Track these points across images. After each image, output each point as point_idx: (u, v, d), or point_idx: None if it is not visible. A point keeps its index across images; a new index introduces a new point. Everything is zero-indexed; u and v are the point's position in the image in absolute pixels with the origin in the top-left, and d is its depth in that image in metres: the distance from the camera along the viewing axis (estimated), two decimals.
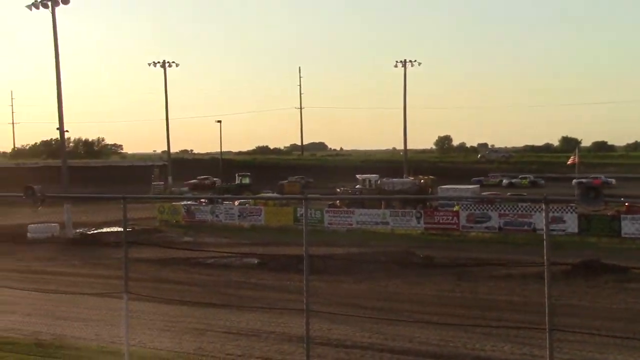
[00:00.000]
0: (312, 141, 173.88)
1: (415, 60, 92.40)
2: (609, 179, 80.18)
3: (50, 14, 48.34)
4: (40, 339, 17.67)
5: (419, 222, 44.03)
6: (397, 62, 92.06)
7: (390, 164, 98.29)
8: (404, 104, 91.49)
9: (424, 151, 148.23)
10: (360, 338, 18.04)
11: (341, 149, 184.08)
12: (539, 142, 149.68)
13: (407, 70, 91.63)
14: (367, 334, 18.38)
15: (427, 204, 47.76)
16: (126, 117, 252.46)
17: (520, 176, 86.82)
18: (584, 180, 69.20)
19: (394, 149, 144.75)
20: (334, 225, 45.43)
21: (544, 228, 9.22)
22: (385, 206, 46.52)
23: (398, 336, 18.09)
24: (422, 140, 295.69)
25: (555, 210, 38.19)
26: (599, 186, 64.47)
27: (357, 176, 62.02)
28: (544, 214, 9.05)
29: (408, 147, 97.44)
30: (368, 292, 25.29)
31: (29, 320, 20.31)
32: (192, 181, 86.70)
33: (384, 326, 18.90)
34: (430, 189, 56.26)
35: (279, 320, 19.77)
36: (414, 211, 44.92)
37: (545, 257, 8.66)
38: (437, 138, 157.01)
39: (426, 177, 60.21)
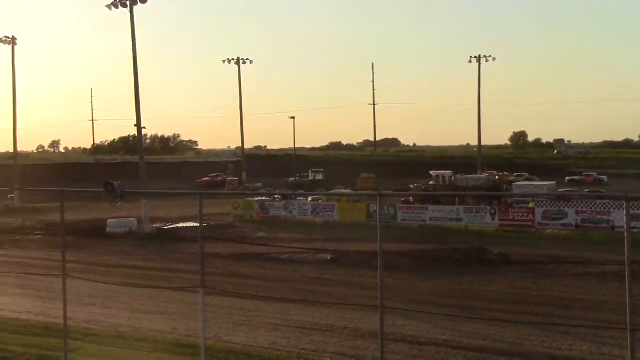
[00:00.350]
0: (385, 137, 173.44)
1: (489, 56, 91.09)
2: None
3: (129, 13, 49.37)
4: (119, 331, 18.11)
5: (493, 219, 43.47)
6: (471, 57, 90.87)
7: (464, 160, 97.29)
8: (478, 99, 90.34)
9: (498, 147, 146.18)
10: (434, 335, 17.94)
11: (414, 145, 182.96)
12: (618, 138, 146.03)
13: (481, 65, 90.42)
14: (441, 331, 18.26)
15: (502, 200, 47.10)
16: (201, 114, 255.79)
17: (584, 173, 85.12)
18: None
19: (468, 145, 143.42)
20: (407, 221, 45.23)
21: (625, 226, 9.00)
22: (459, 202, 46.08)
23: (472, 334, 17.93)
24: (497, 136, 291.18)
25: (636, 207, 37.19)
26: None
27: (431, 172, 61.54)
28: (624, 212, 8.84)
29: (482, 143, 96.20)
30: (442, 288, 25.10)
31: (108, 312, 20.83)
32: (204, 179, 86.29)
33: (458, 323, 18.75)
34: (505, 186, 55.49)
35: (352, 316, 19.80)
36: (488, 208, 44.36)
37: (626, 256, 8.46)
38: (511, 134, 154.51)
39: (501, 174, 59.40)
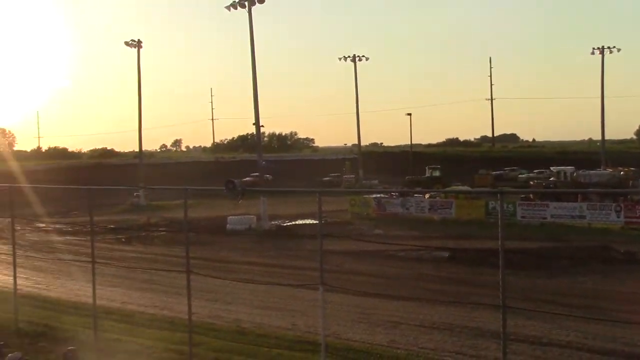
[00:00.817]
0: (503, 132, 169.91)
1: (614, 47, 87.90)
2: None
3: (247, 13, 50.32)
4: (241, 327, 18.47)
5: (618, 216, 41.91)
6: (593, 49, 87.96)
7: (586, 155, 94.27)
8: (601, 92, 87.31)
9: (623, 141, 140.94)
10: (557, 336, 17.46)
11: (534, 140, 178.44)
12: None
13: (605, 57, 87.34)
14: (565, 331, 17.74)
15: (628, 197, 45.35)
16: (318, 112, 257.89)
17: None
18: None
19: (590, 139, 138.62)
20: (527, 218, 44.20)
21: None
22: (581, 199, 44.68)
23: (598, 335, 17.33)
24: (622, 130, 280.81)
25: None
26: None
27: (552, 168, 60.01)
28: None
29: (606, 138, 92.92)
30: (564, 288, 24.40)
31: (229, 308, 21.26)
32: (247, 178, 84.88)
33: (583, 324, 18.16)
34: (631, 182, 53.46)
35: (472, 315, 19.50)
36: (613, 205, 42.80)
37: None
38: (637, 128, 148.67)
39: (627, 169, 57.26)
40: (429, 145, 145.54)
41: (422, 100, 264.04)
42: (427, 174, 79.30)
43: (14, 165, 75.85)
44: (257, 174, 59.16)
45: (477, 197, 48.15)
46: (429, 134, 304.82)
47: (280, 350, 15.44)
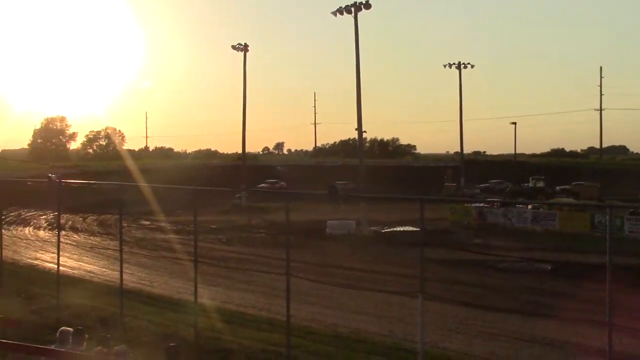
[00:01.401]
0: (612, 144, 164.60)
1: None
2: None
3: (353, 19, 50.51)
4: (337, 331, 18.54)
5: None
6: None
7: None
8: None
9: None
10: None
11: None
12: None
13: None
14: None
15: None
16: (420, 118, 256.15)
17: None
18: None
19: None
20: (635, 233, 42.68)
21: None
22: None
23: None
24: None
25: None
26: None
27: None
28: None
29: None
30: None
31: (327, 312, 21.36)
32: (262, 185, 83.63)
33: None
34: None
35: (574, 330, 18.93)
36: None
37: None
38: None
39: None
40: (533, 155, 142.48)
41: (527, 109, 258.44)
42: (531, 184, 77.71)
43: (124, 164, 78.43)
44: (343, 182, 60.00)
45: (581, 210, 46.86)
46: (533, 143, 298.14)
47: (377, 356, 15.44)
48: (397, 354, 15.70)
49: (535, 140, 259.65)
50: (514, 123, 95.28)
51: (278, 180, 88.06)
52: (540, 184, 76.99)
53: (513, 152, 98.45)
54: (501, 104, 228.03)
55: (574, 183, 76.04)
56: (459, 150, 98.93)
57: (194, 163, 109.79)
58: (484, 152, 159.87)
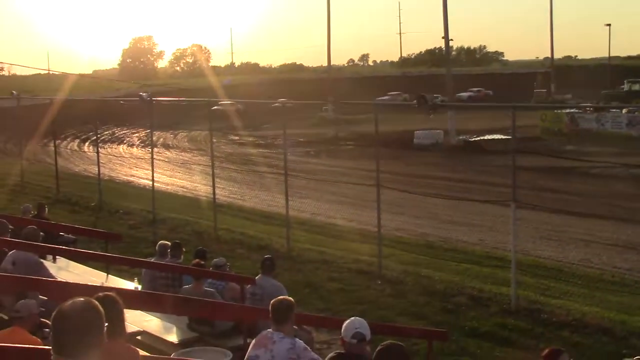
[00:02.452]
0: None
1: None
2: None
3: None
4: (428, 240, 18.61)
5: None
6: None
7: None
8: None
9: None
10: None
11: None
12: None
13: None
14: None
15: None
16: (508, 24, 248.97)
17: None
18: None
19: None
20: None
21: None
22: None
23: None
24: None
25: None
26: None
27: None
28: None
29: None
30: None
31: (416, 222, 21.43)
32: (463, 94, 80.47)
33: None
34: None
35: None
36: None
37: None
38: None
39: None
40: (629, 58, 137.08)
41: (622, 10, 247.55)
42: (625, 88, 74.97)
43: (211, 81, 79.22)
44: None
45: None
46: (629, 45, 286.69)
47: (469, 265, 15.44)
48: (489, 262, 15.67)
49: (631, 42, 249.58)
50: (609, 25, 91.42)
51: (481, 88, 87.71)
52: (636, 87, 74.17)
53: (607, 55, 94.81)
54: (594, 4, 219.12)
55: None
56: (549, 56, 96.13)
57: (280, 77, 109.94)
58: (576, 56, 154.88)
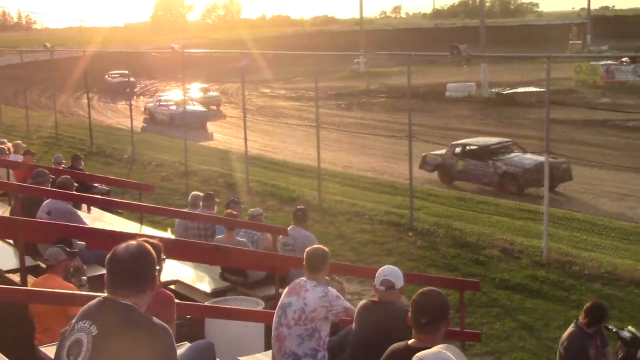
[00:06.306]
0: None
1: None
2: None
3: None
4: (460, 194, 18.56)
5: None
6: None
7: None
8: None
9: None
10: None
11: None
12: None
13: None
14: None
15: None
16: None
17: None
18: None
19: None
20: None
21: None
22: None
23: None
24: None
25: None
26: None
27: None
28: None
29: None
30: None
31: None
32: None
33: None
34: None
35: None
36: None
37: None
38: None
39: None
40: None
41: None
42: None
43: (242, 33, 78.93)
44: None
45: None
46: None
47: (501, 217, 15.41)
48: (521, 215, 15.63)
49: None
50: None
51: None
52: None
53: None
54: None
55: None
56: (585, 6, 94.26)
57: (312, 30, 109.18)
58: (613, 6, 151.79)
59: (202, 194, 11.75)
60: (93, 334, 3.26)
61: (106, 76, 48.43)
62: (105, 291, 3.39)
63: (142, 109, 39.06)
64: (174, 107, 34.73)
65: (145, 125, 34.86)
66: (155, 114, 36.84)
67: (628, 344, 7.04)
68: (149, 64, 45.44)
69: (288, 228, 9.86)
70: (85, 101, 28.44)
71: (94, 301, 3.41)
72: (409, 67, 15.14)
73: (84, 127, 27.54)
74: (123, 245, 3.40)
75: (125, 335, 3.23)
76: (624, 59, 48.53)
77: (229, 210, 10.41)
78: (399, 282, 5.49)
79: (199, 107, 35.53)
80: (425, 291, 4.17)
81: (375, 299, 5.56)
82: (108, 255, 3.38)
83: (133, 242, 3.43)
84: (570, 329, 6.99)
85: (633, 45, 72.75)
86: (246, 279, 9.17)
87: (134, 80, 39.17)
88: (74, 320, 3.40)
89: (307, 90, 43.98)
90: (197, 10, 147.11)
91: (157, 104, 37.79)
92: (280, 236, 9.77)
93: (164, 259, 4.82)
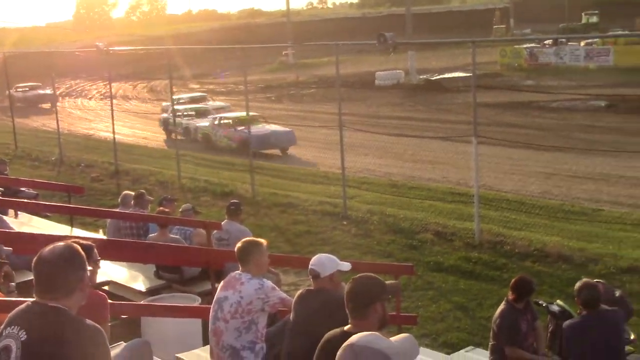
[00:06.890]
0: None
1: None
2: None
3: None
4: (392, 180, 18.74)
5: None
6: None
7: None
8: None
9: None
10: None
11: None
12: None
13: None
14: None
15: None
16: None
17: None
18: None
19: None
20: None
21: None
22: None
23: None
24: None
25: None
26: None
27: None
28: None
29: None
30: None
31: (380, 162, 21.47)
32: None
33: None
34: None
35: (629, 164, 18.84)
36: None
37: None
38: None
39: None
40: None
41: None
42: (583, 21, 75.27)
43: (169, 30, 78.08)
44: None
45: (638, 42, 45.32)
46: None
47: (433, 201, 15.62)
48: (453, 198, 15.87)
49: None
50: None
51: None
52: (594, 20, 74.51)
53: None
54: None
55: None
56: None
57: (239, 23, 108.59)
58: None
59: (133, 193, 11.64)
60: (22, 339, 3.21)
61: (12, 90, 39.32)
62: (33, 295, 3.34)
63: (160, 123, 30.66)
64: (240, 128, 24.00)
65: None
66: (211, 137, 26.89)
67: (557, 317, 7.25)
68: (73, 64, 44.53)
69: (222, 223, 9.84)
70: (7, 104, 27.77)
71: (22, 306, 3.36)
72: (337, 57, 15.22)
73: (7, 131, 26.92)
74: (49, 247, 3.34)
75: (55, 339, 3.19)
76: (546, 42, 49.67)
77: (160, 208, 10.35)
78: (324, 270, 5.41)
79: (278, 127, 26.29)
80: (356, 277, 4.21)
81: (312, 287, 5.59)
82: (34, 258, 3.33)
83: (60, 243, 3.38)
84: (502, 306, 7.18)
85: (555, 28, 74.48)
86: (182, 276, 9.14)
87: (51, 92, 29.68)
88: (1, 327, 3.34)
89: (237, 85, 43.78)
90: (121, 8, 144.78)
91: (216, 122, 27.02)
92: (215, 231, 9.75)
93: (98, 260, 4.77)
